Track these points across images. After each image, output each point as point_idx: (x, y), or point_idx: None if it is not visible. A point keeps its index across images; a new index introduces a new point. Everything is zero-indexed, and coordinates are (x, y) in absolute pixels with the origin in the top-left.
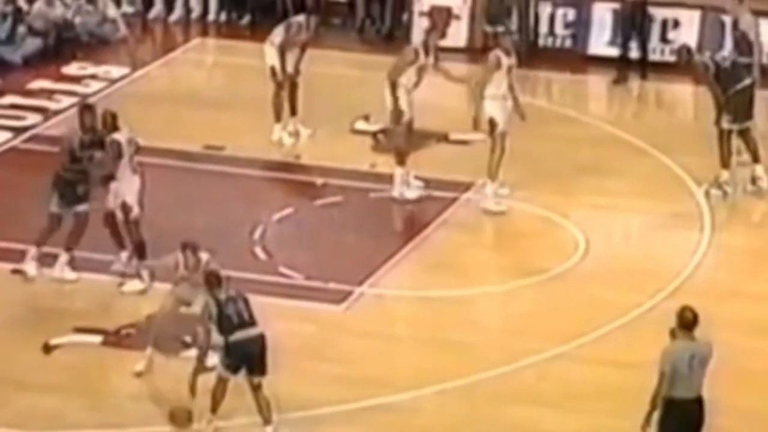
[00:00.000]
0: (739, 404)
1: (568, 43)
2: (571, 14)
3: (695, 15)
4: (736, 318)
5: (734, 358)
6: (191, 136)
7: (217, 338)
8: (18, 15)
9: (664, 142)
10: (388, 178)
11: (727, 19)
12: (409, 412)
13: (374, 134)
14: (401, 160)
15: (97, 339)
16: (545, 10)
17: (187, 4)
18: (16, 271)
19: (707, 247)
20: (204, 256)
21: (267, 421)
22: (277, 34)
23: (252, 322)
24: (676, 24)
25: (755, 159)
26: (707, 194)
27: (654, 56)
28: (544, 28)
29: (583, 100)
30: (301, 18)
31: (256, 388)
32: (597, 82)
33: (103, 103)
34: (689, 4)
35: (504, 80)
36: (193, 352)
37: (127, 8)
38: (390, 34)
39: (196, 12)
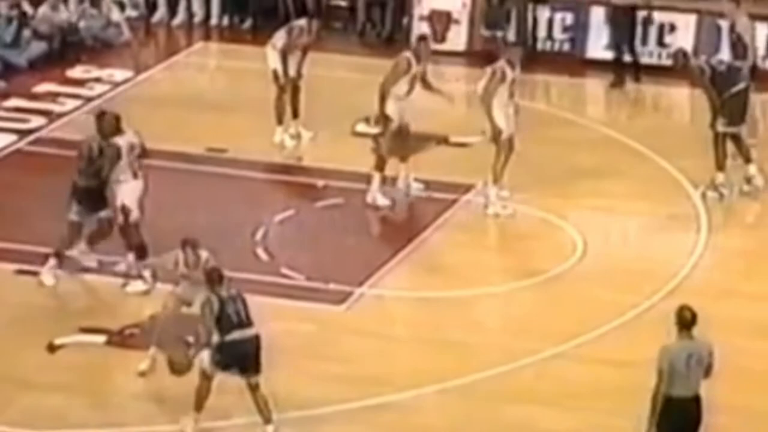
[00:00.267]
0: (736, 403)
1: (566, 46)
2: (569, 18)
3: (691, 19)
4: (732, 318)
5: (730, 357)
6: (194, 139)
7: (214, 335)
8: (23, 19)
9: (661, 145)
10: (390, 181)
11: (723, 23)
12: (410, 411)
13: (375, 136)
14: (380, 166)
15: (101, 339)
16: (543, 15)
17: (190, 8)
18: (20, 272)
19: (704, 248)
20: (204, 253)
21: (267, 420)
22: (279, 37)
23: (249, 323)
24: (673, 28)
25: (747, 160)
26: (704, 196)
27: (651, 60)
28: (542, 32)
29: (581, 103)
30: (302, 22)
31: (254, 388)
32: (595, 86)
33: (107, 106)
34: (685, 8)
35: (507, 90)
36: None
37: (131, 12)
38: (390, 38)
39: (198, 16)
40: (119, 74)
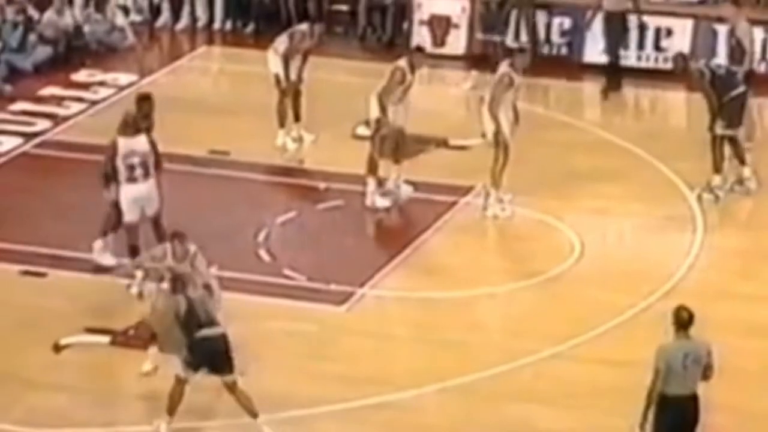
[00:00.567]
0: (732, 402)
1: (564, 51)
2: (567, 23)
3: (688, 24)
4: (728, 318)
5: (726, 357)
6: (197, 141)
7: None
8: (29, 24)
9: (657, 148)
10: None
11: (720, 28)
12: (410, 410)
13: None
14: (373, 169)
15: (106, 339)
16: (541, 19)
17: (193, 13)
18: (26, 273)
19: (699, 249)
20: (192, 247)
21: (254, 416)
22: (281, 42)
23: (216, 323)
24: (669, 32)
25: (742, 162)
26: (699, 198)
27: (647, 64)
28: (540, 36)
29: (578, 106)
30: (304, 27)
31: (231, 388)
32: (592, 89)
33: (112, 109)
34: (682, 13)
35: (512, 95)
36: None
37: (135, 17)
38: (391, 42)
39: (202, 21)
40: (123, 78)
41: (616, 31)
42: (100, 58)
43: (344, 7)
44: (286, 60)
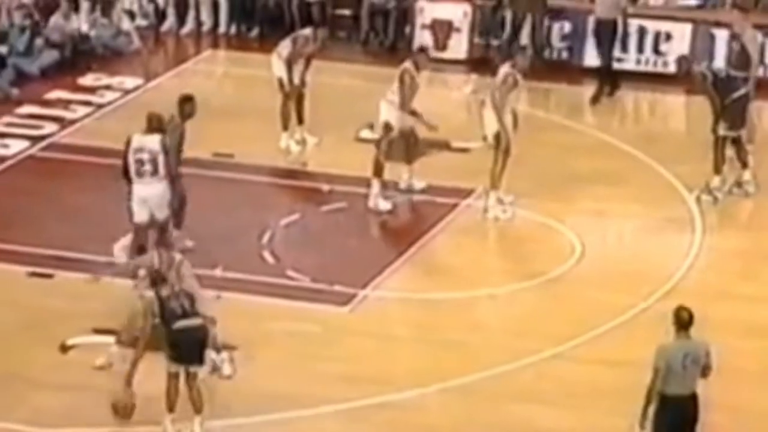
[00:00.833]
0: (731, 402)
1: (564, 55)
2: (568, 27)
3: (687, 28)
4: (727, 318)
5: (725, 357)
6: (202, 144)
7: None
8: (36, 28)
9: (656, 151)
10: (392, 185)
11: (718, 32)
12: (412, 410)
13: (377, 142)
14: (378, 171)
15: (112, 340)
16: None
17: (198, 17)
18: (33, 274)
19: (699, 250)
20: (177, 255)
21: (198, 411)
22: (285, 46)
23: (194, 314)
24: (668, 37)
25: (744, 164)
26: (698, 200)
27: (647, 68)
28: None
29: (578, 109)
30: (307, 31)
31: (192, 378)
32: (592, 93)
33: (118, 112)
34: (681, 17)
35: (515, 96)
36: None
37: (141, 21)
38: (393, 46)
39: (207, 25)
40: (129, 82)
41: (608, 37)
42: (106, 62)
43: (347, 12)
44: (290, 64)
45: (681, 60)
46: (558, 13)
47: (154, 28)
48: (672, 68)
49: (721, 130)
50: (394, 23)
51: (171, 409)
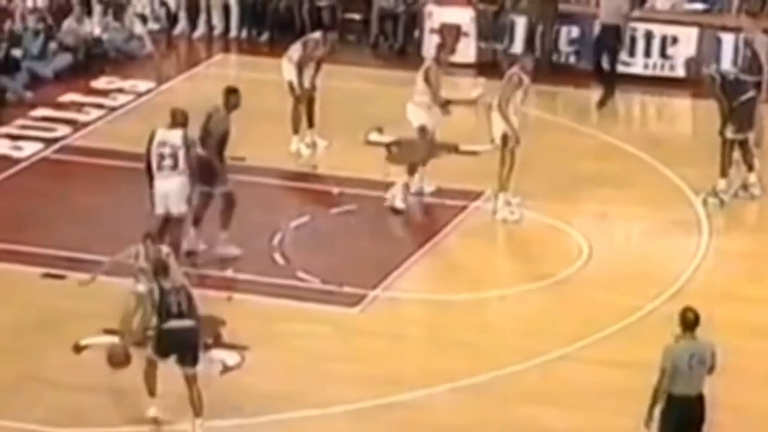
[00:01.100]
0: (737, 402)
1: (572, 59)
2: (575, 31)
3: (693, 32)
4: (733, 319)
5: (731, 358)
6: None
7: (153, 322)
8: (49, 32)
9: (663, 154)
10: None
11: (724, 36)
12: (422, 410)
13: (387, 145)
14: (411, 171)
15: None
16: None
17: (209, 21)
18: (47, 275)
19: (705, 252)
20: (164, 248)
21: (197, 414)
22: (295, 50)
23: (188, 315)
24: (675, 40)
25: (750, 167)
26: (705, 202)
27: (654, 71)
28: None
29: (585, 112)
30: (317, 35)
31: (190, 380)
32: (599, 96)
33: (130, 115)
34: (687, 21)
35: (521, 96)
36: (213, 354)
37: (153, 25)
38: (402, 50)
39: (218, 29)
40: (142, 85)
41: (611, 43)
42: (119, 65)
43: (357, 16)
44: (300, 68)
45: (689, 63)
46: (566, 18)
47: (166, 32)
48: (679, 72)
49: (729, 133)
50: (403, 27)
51: (151, 393)
